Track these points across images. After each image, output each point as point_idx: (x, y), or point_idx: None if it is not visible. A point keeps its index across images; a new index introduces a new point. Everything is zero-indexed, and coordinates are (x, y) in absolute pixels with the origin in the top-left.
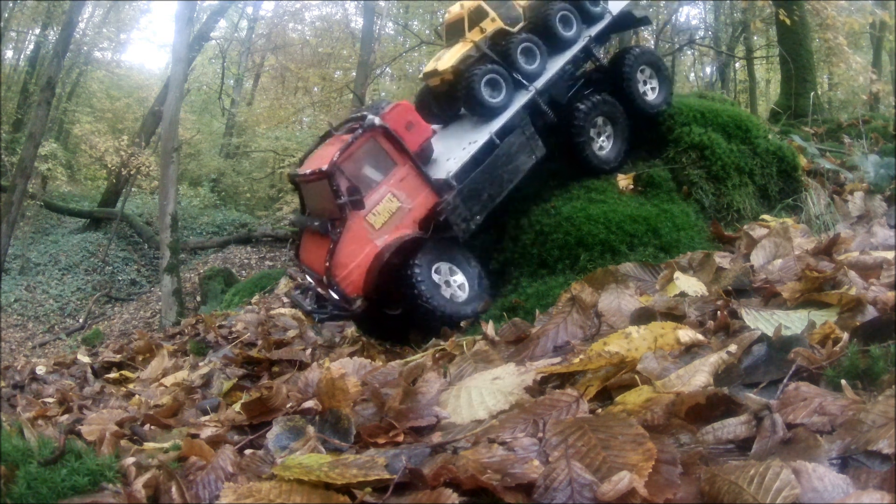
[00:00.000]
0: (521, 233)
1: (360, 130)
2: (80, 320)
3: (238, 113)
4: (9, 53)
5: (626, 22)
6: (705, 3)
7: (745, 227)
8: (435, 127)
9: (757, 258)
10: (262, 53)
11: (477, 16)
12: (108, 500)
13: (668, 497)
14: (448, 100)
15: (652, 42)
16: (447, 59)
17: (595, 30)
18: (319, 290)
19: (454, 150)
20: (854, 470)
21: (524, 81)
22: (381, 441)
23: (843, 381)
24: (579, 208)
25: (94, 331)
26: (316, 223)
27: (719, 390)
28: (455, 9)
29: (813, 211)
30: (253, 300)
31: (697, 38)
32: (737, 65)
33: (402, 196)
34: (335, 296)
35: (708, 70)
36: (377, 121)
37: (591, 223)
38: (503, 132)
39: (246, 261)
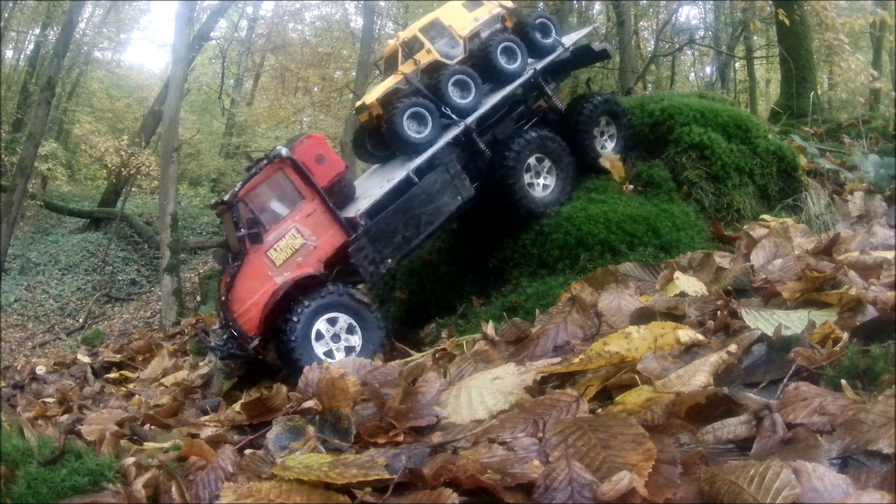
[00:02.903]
0: (521, 232)
1: (265, 161)
2: (80, 320)
3: (238, 113)
4: (9, 53)
5: (584, 57)
6: (705, 3)
7: (745, 227)
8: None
9: (757, 258)
10: (262, 53)
11: (411, 47)
12: (108, 500)
13: (668, 497)
14: (381, 137)
15: (652, 42)
16: (374, 92)
17: (543, 63)
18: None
19: (374, 189)
20: (854, 470)
21: (453, 116)
22: (381, 441)
23: (843, 381)
24: (579, 208)
25: (94, 331)
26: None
27: (719, 390)
28: (393, 41)
29: (813, 211)
30: None
31: (697, 38)
32: (737, 65)
33: (307, 233)
34: (234, 333)
35: (708, 70)
36: (284, 152)
37: (591, 223)
38: (424, 169)
39: None
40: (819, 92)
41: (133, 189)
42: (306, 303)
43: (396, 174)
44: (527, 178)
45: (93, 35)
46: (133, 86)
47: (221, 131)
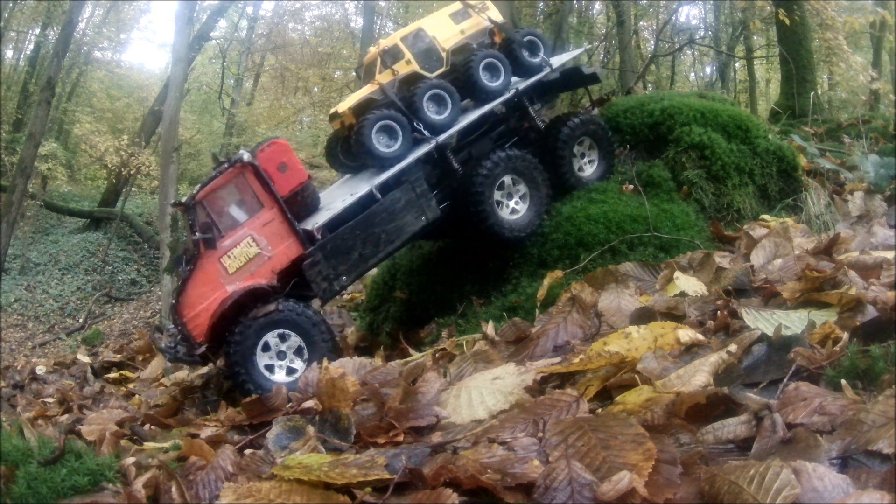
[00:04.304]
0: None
1: (226, 165)
2: (80, 320)
3: (238, 113)
4: (9, 53)
5: (573, 79)
6: (705, 3)
7: (745, 226)
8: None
9: (757, 258)
10: (262, 53)
11: (391, 57)
12: (108, 500)
13: (668, 497)
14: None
15: (652, 42)
16: (348, 100)
17: (527, 83)
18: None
19: (337, 201)
20: (854, 470)
21: (425, 132)
22: (381, 441)
23: (843, 381)
24: (579, 208)
25: (94, 331)
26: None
27: (719, 390)
28: (373, 48)
29: (813, 211)
30: None
31: (697, 38)
32: (737, 65)
33: (263, 242)
34: (182, 336)
35: (708, 70)
36: (246, 157)
37: (591, 223)
38: (390, 185)
39: None
40: (819, 92)
41: (133, 189)
42: (236, 354)
43: (361, 188)
44: (498, 198)
45: (93, 35)
46: (133, 86)
47: (221, 131)
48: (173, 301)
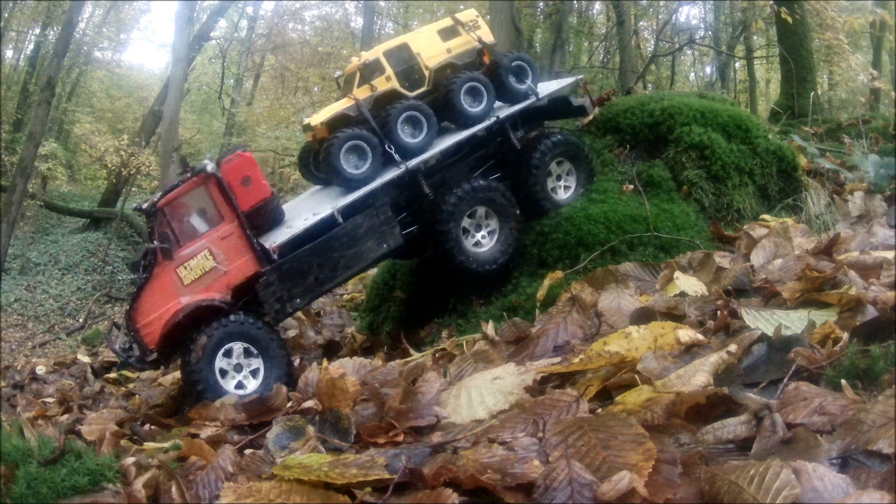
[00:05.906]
0: (521, 233)
1: (189, 175)
2: (80, 320)
3: (238, 113)
4: (9, 53)
5: (560, 109)
6: (705, 3)
7: (745, 226)
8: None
9: (757, 258)
10: (262, 53)
11: (371, 71)
12: (108, 499)
13: (668, 497)
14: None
15: (652, 42)
16: (322, 113)
17: (509, 111)
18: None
19: (300, 219)
20: (854, 470)
21: (396, 155)
22: (381, 441)
23: (843, 381)
24: (579, 208)
25: (94, 331)
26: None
27: (719, 390)
28: (355, 59)
29: (813, 211)
30: None
31: (697, 38)
32: (737, 65)
33: (220, 256)
34: (134, 343)
35: (708, 70)
36: (210, 167)
37: (591, 223)
38: (351, 209)
39: None
40: (819, 92)
41: (133, 189)
42: (208, 400)
43: (324, 207)
44: (467, 234)
45: (93, 35)
46: (133, 86)
47: (221, 131)
48: (128, 306)
